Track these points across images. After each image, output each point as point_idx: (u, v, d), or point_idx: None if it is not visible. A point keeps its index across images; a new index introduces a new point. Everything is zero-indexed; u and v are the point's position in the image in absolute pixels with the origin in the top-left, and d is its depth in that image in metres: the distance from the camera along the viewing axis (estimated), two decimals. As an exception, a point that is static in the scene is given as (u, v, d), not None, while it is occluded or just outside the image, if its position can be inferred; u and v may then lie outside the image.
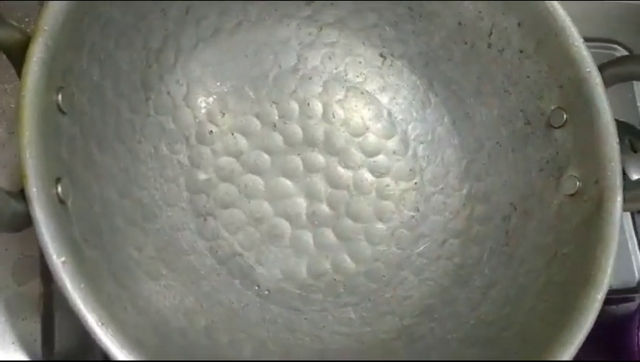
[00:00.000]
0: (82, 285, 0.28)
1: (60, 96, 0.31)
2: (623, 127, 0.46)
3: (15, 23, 0.30)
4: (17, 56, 0.30)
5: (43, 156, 0.29)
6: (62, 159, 0.31)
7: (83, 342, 0.27)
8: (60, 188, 0.30)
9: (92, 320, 0.27)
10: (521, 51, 0.41)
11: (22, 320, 0.38)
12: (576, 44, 0.38)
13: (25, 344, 0.38)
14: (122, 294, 0.32)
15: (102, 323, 0.27)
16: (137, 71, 0.38)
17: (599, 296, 0.34)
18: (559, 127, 0.39)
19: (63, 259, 0.27)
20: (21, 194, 0.28)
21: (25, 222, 0.28)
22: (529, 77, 0.41)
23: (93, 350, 0.27)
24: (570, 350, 0.33)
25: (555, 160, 0.40)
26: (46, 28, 0.30)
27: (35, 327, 0.38)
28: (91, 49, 0.33)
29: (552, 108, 0.40)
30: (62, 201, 0.30)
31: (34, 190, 0.28)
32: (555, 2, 0.39)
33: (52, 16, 0.30)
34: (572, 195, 0.38)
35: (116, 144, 0.36)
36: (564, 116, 0.39)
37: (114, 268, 0.32)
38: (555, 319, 0.35)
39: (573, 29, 0.38)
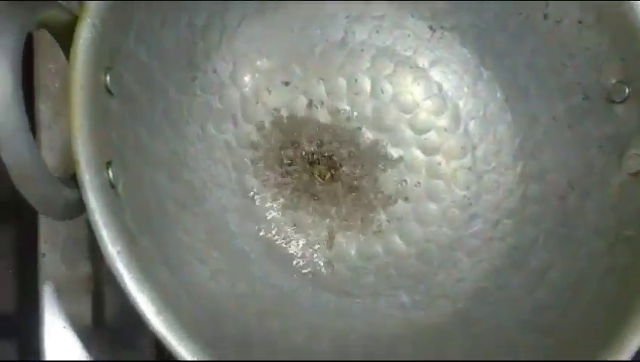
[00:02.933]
0: (137, 275, 0.27)
1: (108, 78, 0.30)
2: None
3: (61, 2, 0.29)
4: (64, 36, 0.29)
5: (94, 140, 0.28)
6: (111, 142, 0.30)
7: (133, 319, 0.27)
8: (110, 173, 0.29)
9: (150, 311, 0.26)
10: (580, 22, 0.38)
11: (72, 302, 0.38)
12: (640, 13, 0.36)
13: (76, 326, 0.37)
14: (175, 281, 0.31)
15: (159, 314, 0.27)
16: (183, 50, 0.37)
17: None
18: (621, 102, 0.37)
19: (118, 248, 0.26)
20: (73, 180, 0.28)
21: (78, 210, 0.28)
22: (588, 49, 0.38)
23: (142, 325, 0.27)
24: (632, 345, 0.31)
25: (616, 137, 0.38)
26: (94, 7, 0.29)
27: (85, 308, 0.38)
28: (138, 29, 0.32)
29: (613, 82, 0.37)
30: (113, 186, 0.29)
31: (87, 177, 0.27)
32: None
33: (99, -5, 0.29)
34: (635, 174, 0.36)
35: (165, 126, 0.35)
36: (627, 91, 0.37)
37: (165, 255, 0.32)
38: (619, 306, 0.33)
39: (637, -4, 0.36)
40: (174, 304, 0.29)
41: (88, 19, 0.29)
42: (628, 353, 0.31)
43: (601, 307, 0.34)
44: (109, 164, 0.29)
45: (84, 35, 0.28)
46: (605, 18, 0.37)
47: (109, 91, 0.30)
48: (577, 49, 0.39)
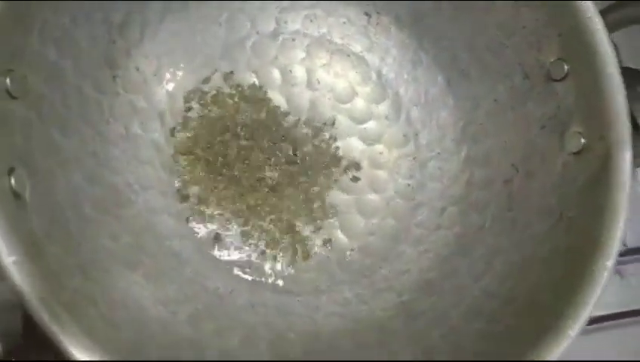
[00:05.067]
0: (39, 283, 0.26)
1: (8, 80, 0.28)
2: (637, 75, 0.43)
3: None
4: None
5: (-9, 148, 0.27)
6: (15, 148, 0.29)
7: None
8: (13, 180, 0.27)
9: (47, 319, 0.25)
10: (515, -1, 0.37)
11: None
12: (575, -14, 0.34)
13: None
14: (93, 289, 0.30)
15: (61, 323, 0.25)
16: (100, 48, 0.35)
17: (608, 264, 0.31)
18: (560, 80, 0.36)
19: (13, 258, 0.25)
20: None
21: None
22: (525, 27, 0.37)
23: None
24: (577, 324, 0.30)
25: (557, 116, 0.37)
26: (-16, 8, 0.27)
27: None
28: (43, 28, 0.31)
29: (552, 59, 0.36)
30: (16, 194, 0.28)
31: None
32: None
33: (-9, -5, 0.28)
34: (577, 153, 0.35)
35: (82, 127, 0.34)
36: (565, 68, 0.36)
37: (83, 262, 0.30)
38: (561, 290, 0.32)
39: (570, -31, 0.35)
40: (88, 312, 0.27)
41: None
42: (569, 339, 0.30)
43: (545, 291, 0.33)
44: (11, 170, 0.28)
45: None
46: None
47: (10, 95, 0.29)
48: (515, 27, 0.38)
